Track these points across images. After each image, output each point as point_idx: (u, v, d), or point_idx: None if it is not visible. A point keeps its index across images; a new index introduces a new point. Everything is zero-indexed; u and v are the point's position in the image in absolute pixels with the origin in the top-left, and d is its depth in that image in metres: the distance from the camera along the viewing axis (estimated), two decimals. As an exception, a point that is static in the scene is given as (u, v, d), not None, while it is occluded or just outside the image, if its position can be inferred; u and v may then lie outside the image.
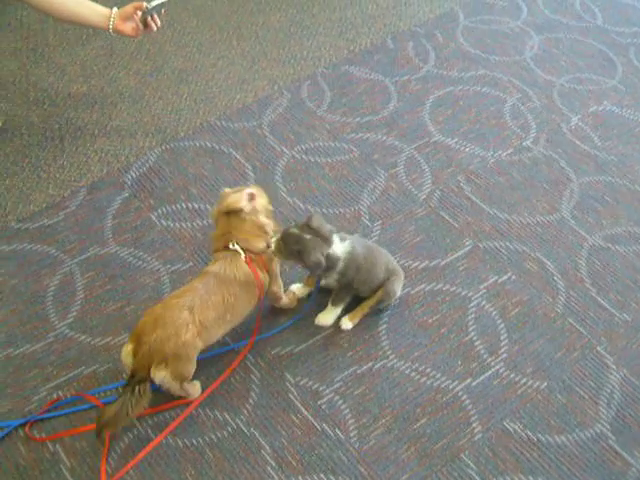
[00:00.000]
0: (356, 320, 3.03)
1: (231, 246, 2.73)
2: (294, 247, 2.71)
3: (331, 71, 4.18)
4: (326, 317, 3.02)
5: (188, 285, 2.68)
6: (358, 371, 2.90)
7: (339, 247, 2.79)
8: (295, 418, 2.76)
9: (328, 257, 2.74)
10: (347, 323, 3.02)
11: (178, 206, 3.45)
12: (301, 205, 3.46)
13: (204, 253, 3.24)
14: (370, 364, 2.92)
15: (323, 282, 2.96)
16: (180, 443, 2.68)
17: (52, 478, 2.59)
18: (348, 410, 2.79)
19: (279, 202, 3.46)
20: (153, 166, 3.62)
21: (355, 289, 2.97)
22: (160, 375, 2.52)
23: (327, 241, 2.74)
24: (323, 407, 2.79)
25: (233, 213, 2.72)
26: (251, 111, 3.93)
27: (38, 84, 4.10)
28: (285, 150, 3.71)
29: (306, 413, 2.77)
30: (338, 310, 3.01)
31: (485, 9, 4.67)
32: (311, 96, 4.02)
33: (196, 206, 3.45)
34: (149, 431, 2.70)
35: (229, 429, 2.72)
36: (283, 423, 2.74)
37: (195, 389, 2.79)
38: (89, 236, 3.33)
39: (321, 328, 3.02)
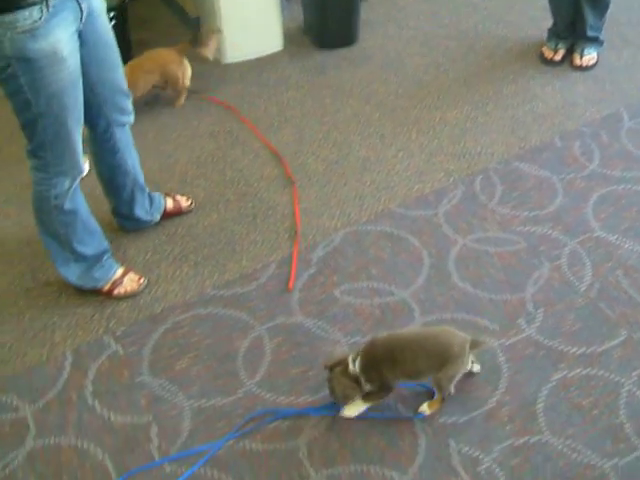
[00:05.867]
0: (434, 409, 3.16)
1: None
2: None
3: (502, 166, 4.39)
4: (351, 410, 3.15)
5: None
6: (515, 443, 3.05)
7: (352, 366, 3.03)
8: (456, 481, 2.95)
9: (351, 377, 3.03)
10: (425, 410, 3.15)
11: (359, 284, 3.72)
12: (471, 290, 3.65)
13: (383, 329, 3.42)
14: (526, 438, 3.06)
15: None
16: (353, 497, 2.94)
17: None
18: (504, 478, 2.93)
19: (450, 286, 3.68)
20: (338, 246, 3.92)
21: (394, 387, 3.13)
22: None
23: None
24: (482, 473, 2.95)
25: None
26: (428, 201, 4.17)
27: (234, 165, 4.53)
28: (459, 239, 3.93)
29: (466, 478, 2.94)
30: (365, 407, 3.14)
31: (650, 111, 4.80)
32: (483, 189, 4.24)
33: (375, 285, 3.71)
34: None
35: (397, 487, 2.94)
36: (445, 485, 2.94)
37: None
38: (278, 305, 3.64)
39: (484, 402, 3.18)
